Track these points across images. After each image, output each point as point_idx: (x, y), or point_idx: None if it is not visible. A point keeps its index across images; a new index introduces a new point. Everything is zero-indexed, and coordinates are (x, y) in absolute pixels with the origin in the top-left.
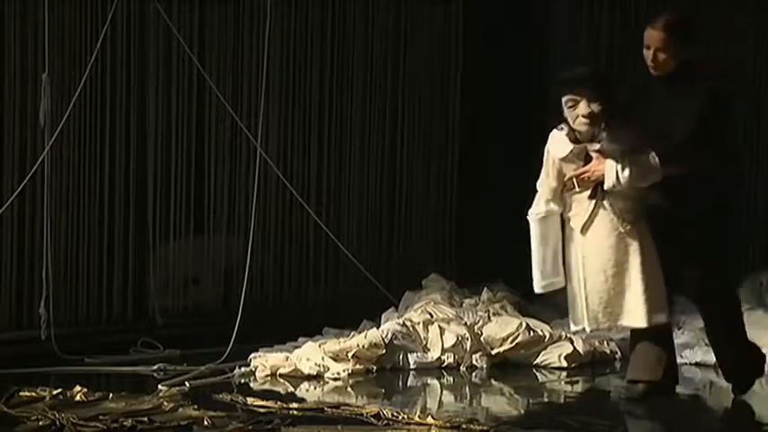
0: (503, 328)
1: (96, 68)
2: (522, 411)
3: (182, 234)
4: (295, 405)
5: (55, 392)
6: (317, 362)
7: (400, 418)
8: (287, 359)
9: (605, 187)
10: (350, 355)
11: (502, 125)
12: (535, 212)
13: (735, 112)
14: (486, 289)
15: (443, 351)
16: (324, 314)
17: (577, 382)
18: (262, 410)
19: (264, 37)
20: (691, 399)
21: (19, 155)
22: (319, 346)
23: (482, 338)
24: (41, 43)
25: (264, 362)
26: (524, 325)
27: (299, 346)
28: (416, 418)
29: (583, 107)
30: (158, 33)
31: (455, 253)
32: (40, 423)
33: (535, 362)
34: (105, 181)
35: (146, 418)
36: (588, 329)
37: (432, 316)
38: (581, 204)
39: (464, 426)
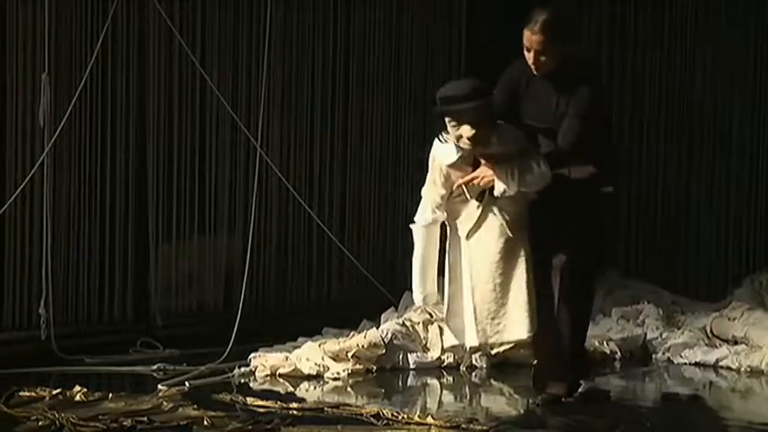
0: None
1: (97, 68)
2: (522, 411)
3: (182, 234)
4: (295, 405)
5: (55, 392)
6: (316, 362)
7: (400, 417)
8: (287, 359)
9: (495, 193)
10: (350, 354)
11: None
12: (422, 220)
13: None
14: None
15: (443, 351)
16: (324, 314)
17: None
18: (261, 410)
19: (265, 36)
20: (690, 399)
21: (21, 155)
22: (319, 346)
23: None
24: (42, 43)
25: (264, 362)
26: None
27: (299, 346)
28: (416, 418)
29: (466, 130)
30: (159, 33)
31: None
32: (40, 423)
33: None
34: (106, 181)
35: (145, 418)
36: (476, 344)
37: (431, 316)
38: (468, 210)
39: (464, 425)
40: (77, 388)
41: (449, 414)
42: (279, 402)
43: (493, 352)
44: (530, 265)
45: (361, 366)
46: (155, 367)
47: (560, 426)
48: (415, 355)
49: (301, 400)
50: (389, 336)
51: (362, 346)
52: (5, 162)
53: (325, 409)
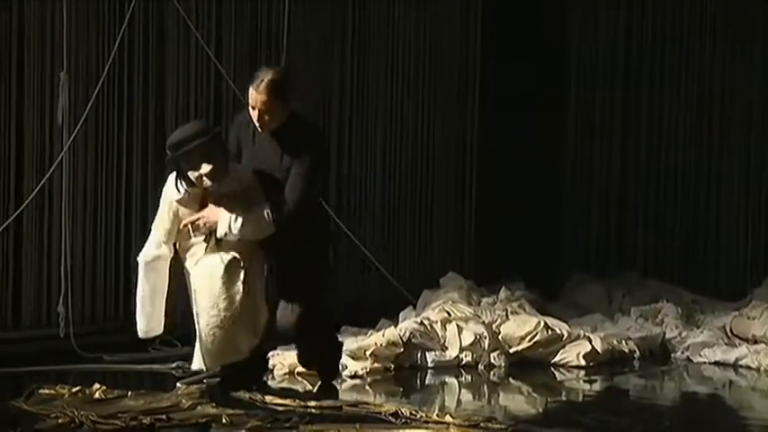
0: (521, 326)
1: (115, 67)
2: (541, 410)
3: None
4: (313, 403)
5: (74, 390)
6: None
7: (418, 416)
8: None
9: (218, 235)
10: (368, 353)
11: (521, 125)
12: (145, 256)
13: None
14: (504, 287)
15: (461, 350)
16: (342, 313)
17: (595, 380)
18: (280, 409)
19: (283, 34)
20: (709, 397)
21: (39, 154)
22: None
23: (500, 337)
24: (60, 41)
25: (283, 360)
26: (542, 323)
27: None
28: (435, 417)
29: (203, 168)
30: (177, 31)
31: (473, 251)
32: (60, 420)
33: (553, 360)
34: (123, 179)
35: (164, 416)
36: (206, 369)
37: (450, 315)
38: (198, 241)
39: (482, 424)
40: (96, 386)
41: (467, 413)
42: (297, 401)
43: (512, 350)
44: (253, 285)
45: (380, 365)
46: (173, 365)
47: (578, 424)
48: (433, 353)
49: (320, 398)
50: (408, 334)
51: (381, 345)
52: (24, 161)
53: (344, 407)
